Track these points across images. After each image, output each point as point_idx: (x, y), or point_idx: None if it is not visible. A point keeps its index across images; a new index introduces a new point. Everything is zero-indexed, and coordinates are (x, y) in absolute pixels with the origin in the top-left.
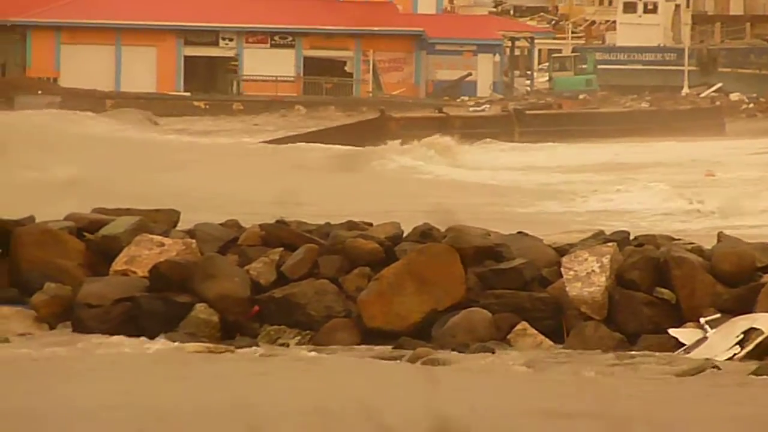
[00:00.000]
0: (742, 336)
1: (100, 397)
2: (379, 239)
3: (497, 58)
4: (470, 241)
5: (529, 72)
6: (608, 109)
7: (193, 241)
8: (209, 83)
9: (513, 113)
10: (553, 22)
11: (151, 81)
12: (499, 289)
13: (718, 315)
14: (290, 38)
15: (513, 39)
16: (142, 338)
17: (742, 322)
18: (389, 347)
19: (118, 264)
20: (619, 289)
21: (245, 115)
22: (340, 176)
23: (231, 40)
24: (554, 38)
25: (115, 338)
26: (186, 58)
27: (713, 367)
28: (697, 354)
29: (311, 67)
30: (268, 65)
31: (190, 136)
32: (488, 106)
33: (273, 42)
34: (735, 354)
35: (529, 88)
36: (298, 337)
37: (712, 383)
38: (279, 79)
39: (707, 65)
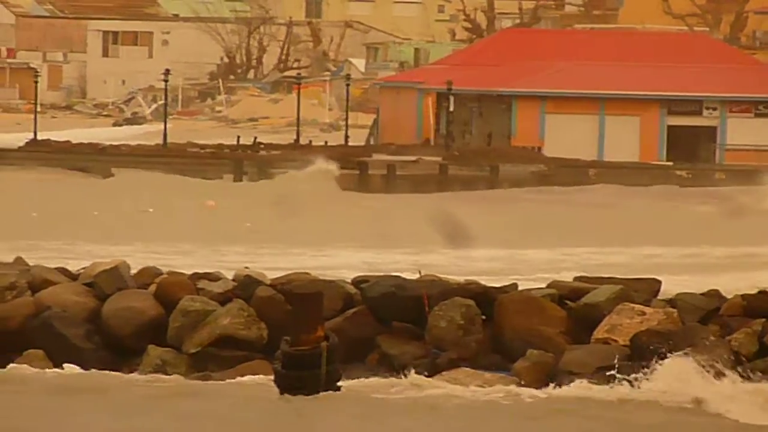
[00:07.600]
0: None
1: None
2: None
3: None
4: None
5: None
6: None
7: (675, 310)
8: (691, 153)
9: None
10: None
11: (634, 150)
12: None
13: None
14: None
15: None
16: None
17: None
18: None
19: (599, 332)
20: None
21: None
22: None
23: (714, 109)
24: None
25: None
26: (668, 127)
27: None
28: None
29: None
30: (752, 134)
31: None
32: None
33: (757, 111)
34: None
35: None
36: None
37: None
38: (761, 148)
39: None
